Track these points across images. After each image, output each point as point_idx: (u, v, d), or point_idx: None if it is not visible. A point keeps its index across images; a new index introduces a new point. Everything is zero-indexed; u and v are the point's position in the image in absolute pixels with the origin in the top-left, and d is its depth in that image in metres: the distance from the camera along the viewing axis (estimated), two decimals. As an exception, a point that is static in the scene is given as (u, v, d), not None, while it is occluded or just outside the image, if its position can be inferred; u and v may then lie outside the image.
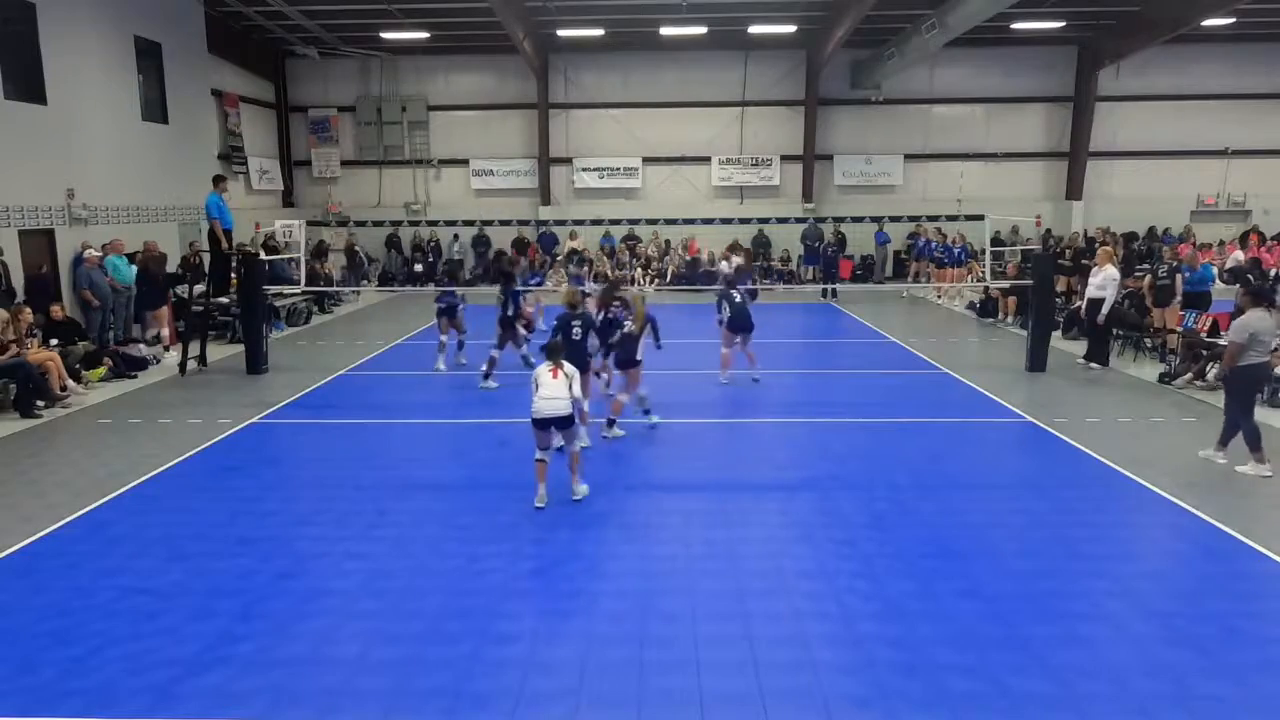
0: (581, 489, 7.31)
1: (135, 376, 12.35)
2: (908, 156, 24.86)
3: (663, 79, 24.34)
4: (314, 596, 5.68)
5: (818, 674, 4.73)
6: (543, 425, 7.01)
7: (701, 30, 21.82)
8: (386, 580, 5.90)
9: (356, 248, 24.26)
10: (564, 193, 25.16)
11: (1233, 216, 24.84)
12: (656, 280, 22.93)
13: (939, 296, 21.09)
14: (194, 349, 12.74)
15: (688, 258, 23.93)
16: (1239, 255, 21.45)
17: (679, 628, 5.23)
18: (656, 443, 9.20)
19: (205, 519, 7.02)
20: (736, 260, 20.26)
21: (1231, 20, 20.49)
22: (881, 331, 16.35)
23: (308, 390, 11.66)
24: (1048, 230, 22.29)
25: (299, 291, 17.57)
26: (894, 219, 24.86)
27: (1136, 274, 14.81)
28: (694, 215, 25.16)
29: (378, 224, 25.52)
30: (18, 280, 12.93)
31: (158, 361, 13.30)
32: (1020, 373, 12.48)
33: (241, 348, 13.19)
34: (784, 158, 24.79)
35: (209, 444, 9.12)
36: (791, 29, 21.59)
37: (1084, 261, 16.75)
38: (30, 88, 13.66)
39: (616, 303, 10.50)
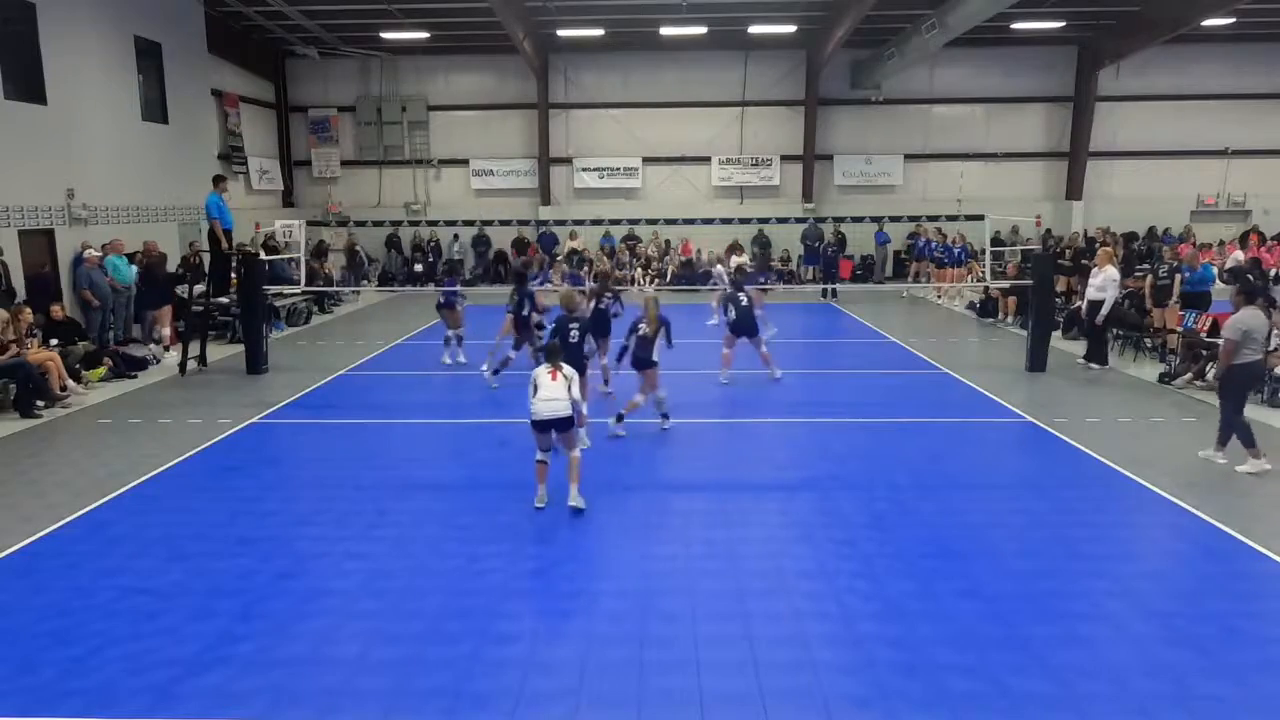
0: (579, 501, 7.01)
1: (135, 376, 12.35)
2: (908, 156, 24.87)
3: (663, 79, 24.35)
4: (314, 596, 5.68)
5: (818, 674, 4.73)
6: (542, 428, 7.00)
7: (701, 30, 21.82)
8: (386, 580, 5.90)
9: (357, 248, 24.27)
10: (564, 193, 25.17)
11: (1233, 216, 24.84)
12: (656, 280, 22.94)
13: (939, 296, 21.09)
14: (194, 349, 12.75)
15: (681, 258, 23.93)
16: (1239, 255, 21.40)
17: (679, 628, 5.23)
18: (656, 442, 9.21)
19: (205, 519, 7.02)
20: (737, 260, 20.22)
21: (1231, 20, 20.49)
22: (881, 331, 16.35)
23: (308, 390, 11.66)
24: (1048, 230, 22.31)
25: (299, 291, 17.57)
26: (894, 219, 24.86)
27: (1136, 274, 14.81)
28: (694, 215, 25.17)
29: (378, 224, 25.52)
30: (18, 280, 12.93)
31: (158, 361, 13.31)
32: (1020, 373, 12.48)
33: (241, 348, 13.19)
34: (784, 158, 24.79)
35: (209, 444, 9.12)
36: (791, 29, 21.60)
37: (1084, 262, 16.75)
38: (30, 88, 13.67)
39: (609, 295, 10.80)
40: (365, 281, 23.45)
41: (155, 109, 17.24)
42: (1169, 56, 23.14)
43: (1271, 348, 10.29)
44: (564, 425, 6.97)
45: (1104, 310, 12.46)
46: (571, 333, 8.69)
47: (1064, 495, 7.54)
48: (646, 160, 24.89)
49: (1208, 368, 11.14)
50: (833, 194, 25.13)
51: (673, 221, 25.14)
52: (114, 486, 7.73)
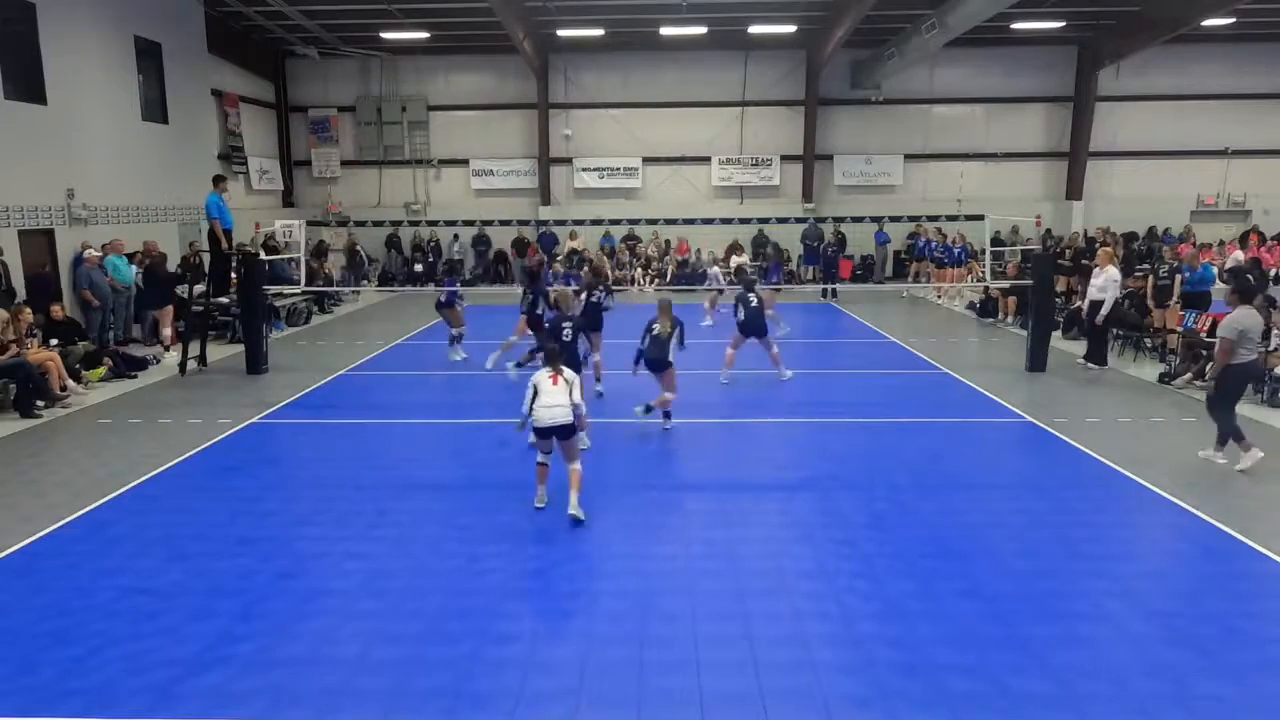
0: (579, 511, 6.80)
1: (135, 376, 12.35)
2: (908, 156, 24.86)
3: (663, 79, 24.34)
4: (314, 596, 5.68)
5: (818, 674, 4.73)
6: (544, 434, 6.93)
7: (701, 30, 21.82)
8: (386, 580, 5.90)
9: (357, 248, 24.27)
10: (564, 193, 25.17)
11: (1233, 216, 24.83)
12: (656, 280, 22.95)
13: (939, 296, 21.08)
14: (194, 349, 12.75)
15: (677, 258, 23.92)
16: (1239, 255, 21.41)
17: (679, 628, 5.23)
18: (656, 442, 9.21)
19: (205, 519, 7.02)
20: (737, 260, 20.23)
21: (1231, 20, 20.49)
22: (881, 331, 16.35)
23: (308, 390, 11.66)
24: (1048, 230, 22.32)
25: (299, 291, 17.57)
26: (894, 219, 24.85)
27: (1137, 274, 14.82)
28: (694, 215, 25.16)
29: (378, 224, 25.52)
30: (18, 280, 12.93)
31: (158, 361, 13.31)
32: (1020, 373, 12.49)
33: (241, 348, 13.19)
34: (784, 158, 24.79)
35: (209, 444, 9.12)
36: (791, 29, 21.60)
37: (1084, 262, 16.75)
38: (30, 88, 13.67)
39: (600, 288, 10.92)
40: (365, 281, 23.45)
41: (155, 109, 17.24)
42: (1169, 56, 23.13)
43: (1271, 347, 10.31)
44: (565, 432, 6.84)
45: (1104, 310, 12.47)
46: (565, 332, 8.72)
47: (1064, 495, 7.54)
48: (646, 160, 24.88)
49: (1208, 368, 11.15)
50: (833, 194, 25.12)
51: (673, 221, 25.14)
52: (114, 486, 7.73)
